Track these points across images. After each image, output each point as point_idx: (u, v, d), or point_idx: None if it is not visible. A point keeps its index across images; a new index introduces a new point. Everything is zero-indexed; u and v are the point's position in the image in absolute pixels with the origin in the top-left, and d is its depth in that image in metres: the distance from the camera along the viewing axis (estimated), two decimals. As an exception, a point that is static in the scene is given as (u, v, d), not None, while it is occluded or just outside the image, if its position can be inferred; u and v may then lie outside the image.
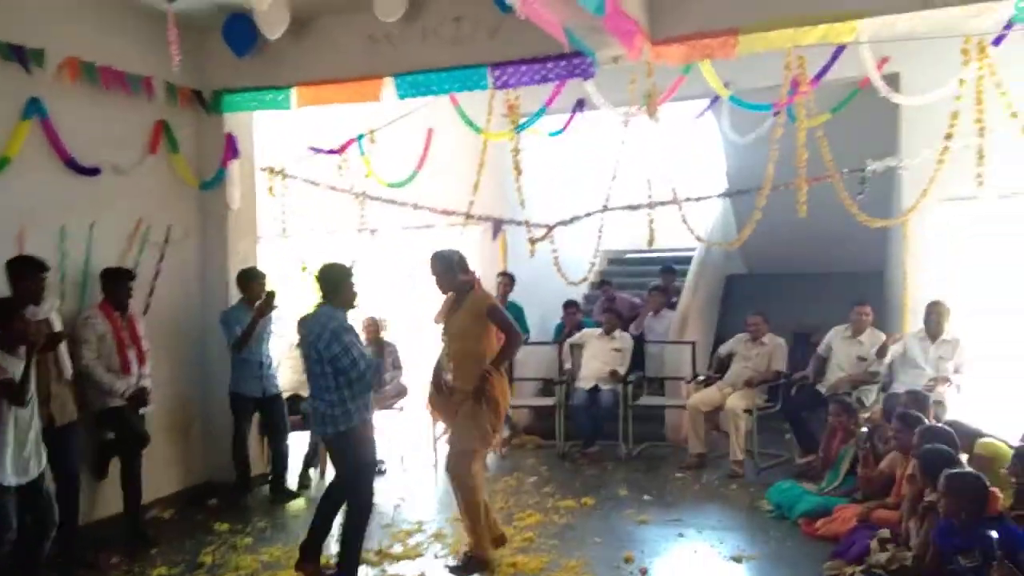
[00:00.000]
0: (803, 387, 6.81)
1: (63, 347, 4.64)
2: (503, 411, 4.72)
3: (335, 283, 4.29)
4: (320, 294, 4.33)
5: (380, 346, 7.04)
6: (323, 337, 4.13)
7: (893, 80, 6.13)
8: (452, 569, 4.67)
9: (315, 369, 4.22)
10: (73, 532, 4.70)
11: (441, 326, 4.85)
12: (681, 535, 5.15)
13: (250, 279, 5.96)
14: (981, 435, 4.74)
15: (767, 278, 10.29)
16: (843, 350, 6.64)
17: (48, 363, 4.48)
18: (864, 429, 5.41)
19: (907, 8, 4.46)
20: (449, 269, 4.65)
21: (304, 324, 4.41)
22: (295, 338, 6.82)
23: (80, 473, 4.83)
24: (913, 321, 6.54)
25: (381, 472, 6.65)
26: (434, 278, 4.71)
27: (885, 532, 4.37)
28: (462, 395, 4.63)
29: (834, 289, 8.61)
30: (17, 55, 4.64)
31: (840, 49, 5.41)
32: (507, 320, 4.65)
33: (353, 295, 4.35)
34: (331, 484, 4.61)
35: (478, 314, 4.58)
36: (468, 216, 6.76)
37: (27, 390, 3.95)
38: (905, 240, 6.64)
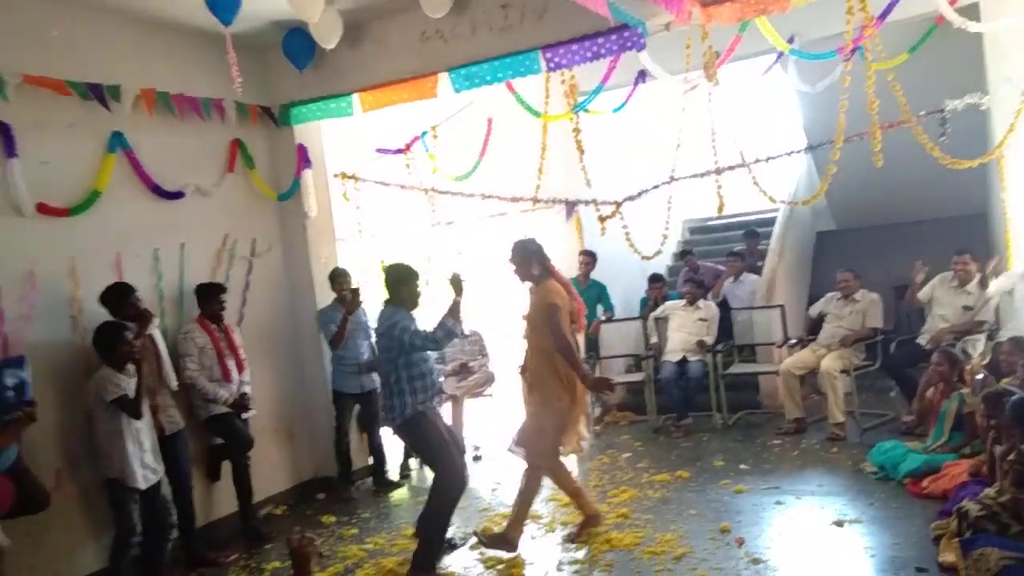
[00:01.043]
0: (903, 342, 6.51)
1: (167, 361, 4.98)
2: (578, 404, 4.72)
3: (396, 283, 4.50)
4: (387, 293, 4.52)
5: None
6: (391, 335, 4.38)
7: (972, 11, 5.74)
8: (476, 535, 4.78)
9: (384, 369, 4.47)
10: (192, 533, 5.05)
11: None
12: (779, 503, 5.04)
13: (335, 278, 6.22)
14: None
15: (859, 232, 9.89)
16: (948, 300, 6.32)
17: (154, 377, 4.82)
18: (980, 376, 5.12)
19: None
20: (525, 259, 4.64)
21: (377, 322, 4.63)
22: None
23: (193, 477, 5.17)
24: (1019, 263, 6.13)
25: (478, 458, 6.81)
26: (513, 269, 4.74)
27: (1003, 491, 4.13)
28: (532, 384, 4.71)
29: (935, 236, 8.19)
30: (95, 93, 4.95)
31: (906, -15, 5.11)
32: (555, 325, 4.46)
33: (415, 296, 4.52)
34: None
35: (542, 309, 4.56)
36: (536, 200, 6.77)
37: (140, 403, 4.30)
38: (1002, 178, 6.22)
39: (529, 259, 4.64)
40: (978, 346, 6.13)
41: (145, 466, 4.39)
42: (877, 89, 5.26)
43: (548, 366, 4.57)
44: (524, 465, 4.74)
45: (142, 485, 4.35)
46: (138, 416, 4.32)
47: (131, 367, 4.40)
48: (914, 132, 5.39)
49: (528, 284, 4.76)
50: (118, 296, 4.69)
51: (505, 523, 4.79)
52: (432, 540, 4.49)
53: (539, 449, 4.65)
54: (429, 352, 4.51)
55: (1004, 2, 5.38)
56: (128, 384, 4.32)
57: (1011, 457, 3.70)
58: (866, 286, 6.77)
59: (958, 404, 5.21)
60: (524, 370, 4.85)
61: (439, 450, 4.48)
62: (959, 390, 5.32)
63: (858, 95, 5.42)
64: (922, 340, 6.35)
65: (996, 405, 4.21)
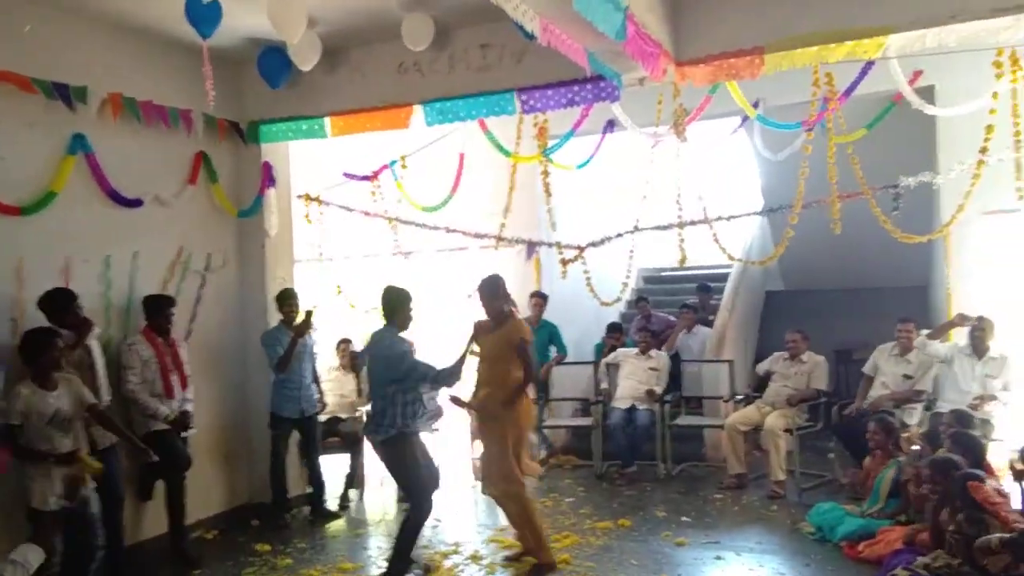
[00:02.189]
0: (847, 406, 6.67)
1: (102, 373, 4.81)
2: (524, 434, 4.93)
3: (392, 306, 4.70)
4: (382, 315, 4.71)
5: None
6: (384, 359, 4.62)
7: (927, 93, 6.05)
8: None
9: (375, 386, 4.68)
10: (119, 553, 4.84)
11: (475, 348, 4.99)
12: (719, 558, 5.08)
13: (284, 300, 6.10)
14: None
15: (806, 294, 10.15)
16: (889, 369, 6.48)
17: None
18: (916, 447, 5.27)
19: (934, 23, 4.40)
20: (495, 296, 4.88)
21: (371, 342, 4.80)
22: (334, 360, 6.98)
23: (125, 495, 4.98)
24: (959, 337, 6.38)
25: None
26: (482, 301, 4.93)
27: (939, 555, 4.22)
28: (490, 416, 4.84)
29: (878, 305, 8.46)
30: (61, 93, 4.84)
31: (869, 64, 5.37)
32: (529, 360, 4.86)
33: (409, 318, 4.75)
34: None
35: (511, 343, 4.79)
36: (500, 239, 6.81)
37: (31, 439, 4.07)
38: (947, 254, 6.49)
39: (499, 296, 4.86)
40: (915, 415, 6.30)
41: (58, 488, 4.12)
42: (836, 159, 5.47)
43: (507, 398, 4.76)
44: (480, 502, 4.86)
45: (55, 507, 4.12)
46: (12, 453, 4.06)
47: (64, 378, 4.22)
48: (869, 204, 5.59)
49: (484, 319, 4.90)
50: (59, 303, 4.54)
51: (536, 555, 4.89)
52: (395, 565, 4.61)
53: (508, 473, 4.77)
54: None
55: (958, 88, 5.66)
56: (49, 401, 4.11)
57: (951, 528, 3.80)
58: (810, 348, 6.93)
59: (895, 471, 5.34)
60: (472, 406, 5.03)
61: (415, 474, 4.63)
62: (896, 457, 5.46)
63: (817, 164, 5.63)
64: (860, 404, 6.48)
65: (943, 472, 4.31)
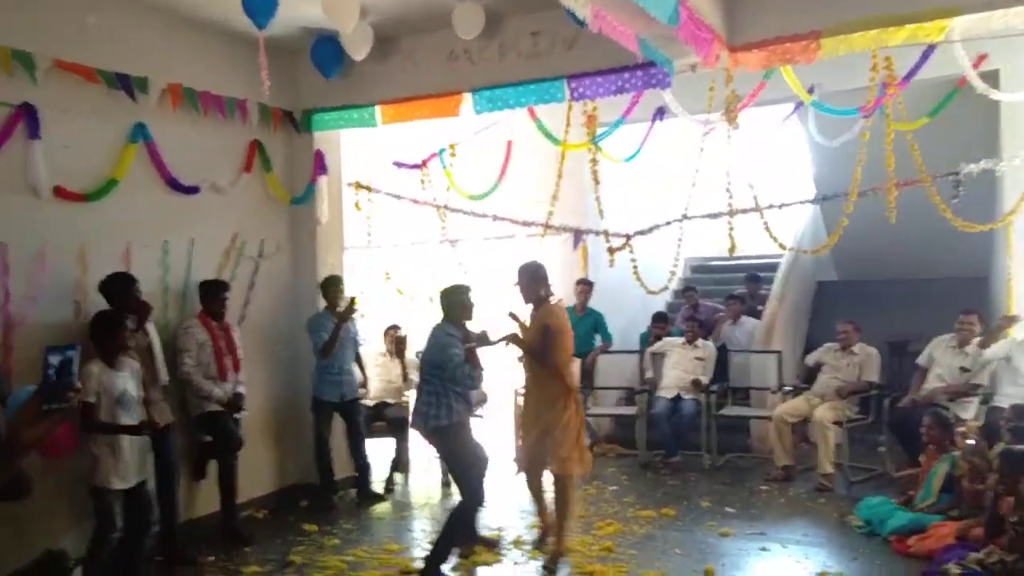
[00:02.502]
0: (898, 399, 6.53)
1: (159, 355, 4.96)
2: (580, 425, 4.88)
3: (451, 304, 4.78)
4: (443, 312, 4.81)
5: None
6: (431, 349, 4.71)
7: (992, 77, 5.85)
8: (546, 568, 4.80)
9: (423, 377, 4.73)
10: (173, 530, 4.99)
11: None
12: (765, 549, 5.04)
13: (329, 286, 6.19)
14: None
15: (860, 285, 9.93)
16: (946, 361, 6.32)
17: (146, 371, 4.77)
18: (970, 441, 5.14)
19: (1003, 3, 4.24)
20: (533, 281, 4.86)
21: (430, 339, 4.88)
22: (381, 346, 7.08)
23: (180, 473, 5.13)
24: (1017, 331, 6.18)
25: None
26: (520, 288, 4.93)
27: (993, 551, 4.12)
28: (538, 403, 4.82)
29: (933, 296, 8.23)
30: (123, 83, 4.98)
31: (931, 48, 5.20)
32: (550, 344, 4.73)
33: (467, 310, 4.81)
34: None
35: (538, 326, 4.80)
36: (547, 226, 6.81)
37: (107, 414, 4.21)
38: (1009, 244, 6.29)
39: (537, 281, 4.85)
40: (970, 409, 6.14)
41: (122, 468, 4.26)
42: (893, 146, 5.33)
43: (554, 384, 4.76)
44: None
45: (117, 486, 4.26)
46: (85, 427, 4.14)
47: (128, 361, 4.38)
48: (927, 192, 5.44)
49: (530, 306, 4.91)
50: (120, 286, 4.65)
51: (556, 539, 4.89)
52: (439, 548, 4.63)
53: (564, 457, 4.74)
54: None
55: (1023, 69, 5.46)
56: (118, 382, 4.25)
57: (1014, 519, 3.70)
58: (862, 340, 6.80)
59: (949, 466, 5.22)
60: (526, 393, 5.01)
61: (468, 463, 4.69)
62: (950, 452, 5.34)
63: (874, 151, 5.49)
64: (912, 396, 6.34)
65: (1015, 463, 4.20)
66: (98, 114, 4.94)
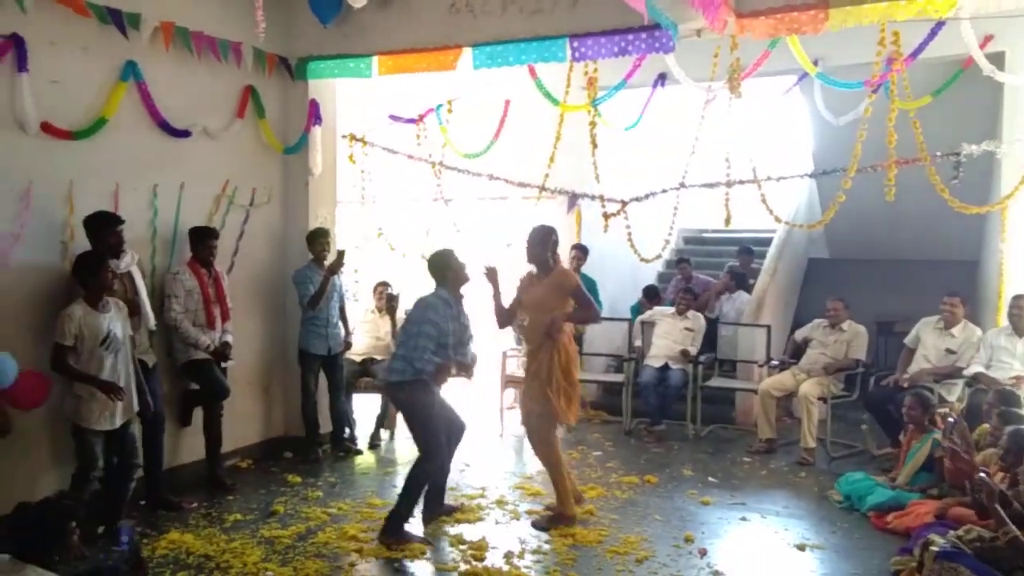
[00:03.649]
0: (882, 378, 6.57)
1: (145, 300, 4.89)
2: (575, 378, 4.93)
3: (440, 270, 4.73)
4: (433, 279, 4.76)
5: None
6: (415, 308, 4.73)
7: (997, 59, 5.78)
8: (535, 524, 4.85)
9: (402, 334, 4.75)
10: (157, 474, 5.00)
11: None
12: (744, 519, 5.09)
13: (315, 238, 6.11)
14: None
15: (851, 263, 9.95)
16: (932, 342, 6.34)
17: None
18: (951, 419, 5.17)
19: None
20: (544, 243, 4.89)
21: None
22: (371, 303, 7.04)
23: (165, 417, 5.10)
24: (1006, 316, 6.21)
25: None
26: (527, 247, 4.94)
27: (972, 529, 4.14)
28: (534, 361, 4.85)
29: (925, 278, 8.27)
30: (115, 19, 4.83)
31: (939, 25, 5.12)
32: (589, 299, 4.92)
33: (459, 276, 4.75)
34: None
35: (561, 289, 4.84)
36: (543, 189, 6.74)
37: (78, 359, 4.19)
38: (1003, 228, 6.28)
39: (547, 244, 4.89)
40: (954, 391, 6.18)
41: (104, 409, 4.25)
42: (895, 124, 5.29)
43: (555, 343, 4.78)
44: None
45: (99, 427, 4.25)
46: (55, 368, 4.15)
47: (114, 302, 4.33)
48: (927, 172, 5.41)
49: (528, 271, 4.93)
50: (102, 224, 4.56)
51: (554, 503, 4.96)
52: (400, 507, 4.60)
53: (543, 410, 4.81)
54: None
55: (1030, 55, 5.42)
56: (100, 322, 4.21)
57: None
58: (851, 318, 6.81)
59: (930, 445, 5.26)
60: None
61: (423, 422, 4.64)
62: (930, 432, 5.37)
63: (875, 128, 5.44)
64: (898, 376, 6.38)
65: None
66: (88, 50, 4.81)
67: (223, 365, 5.44)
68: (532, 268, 4.98)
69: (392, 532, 4.52)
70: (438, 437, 4.68)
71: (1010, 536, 3.42)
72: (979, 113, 6.47)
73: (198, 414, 5.52)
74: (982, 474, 4.00)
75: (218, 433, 5.43)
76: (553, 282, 4.87)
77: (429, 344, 4.53)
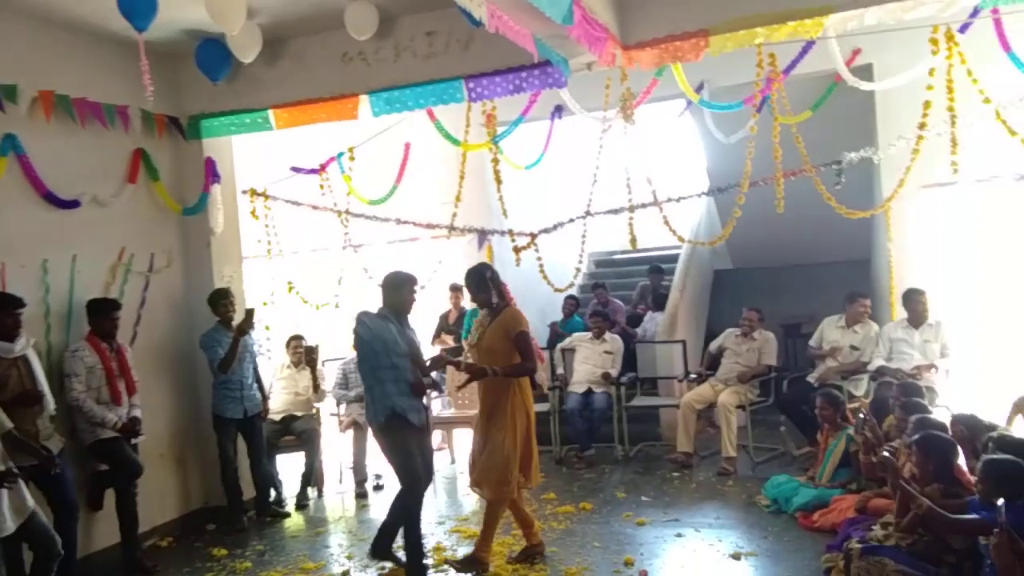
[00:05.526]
0: (794, 380, 6.83)
1: (43, 383, 4.62)
2: (531, 430, 4.79)
3: (389, 288, 4.65)
4: (381, 297, 4.69)
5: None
6: (365, 341, 4.52)
7: (866, 71, 6.18)
8: (454, 564, 4.80)
9: (365, 370, 4.59)
10: (73, 565, 4.67)
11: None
12: (680, 535, 5.16)
13: (217, 300, 5.92)
14: (995, 428, 4.65)
15: (755, 272, 10.37)
16: (836, 340, 6.65)
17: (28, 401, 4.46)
18: (862, 415, 5.39)
19: (874, 1, 4.49)
20: (479, 284, 4.74)
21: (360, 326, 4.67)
22: (285, 358, 6.86)
23: (78, 506, 4.80)
24: (901, 310, 6.56)
25: (379, 488, 6.66)
26: (470, 295, 4.88)
27: (889, 518, 4.29)
28: (488, 408, 4.71)
29: (822, 280, 8.69)
30: (-11, 93, 4.63)
31: (810, 44, 5.45)
32: (530, 350, 4.65)
33: (406, 302, 4.65)
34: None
35: (507, 334, 4.62)
36: (451, 229, 6.76)
37: None
38: (888, 228, 6.68)
39: (487, 286, 4.73)
40: (861, 386, 6.48)
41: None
42: (780, 139, 5.57)
43: (509, 393, 4.63)
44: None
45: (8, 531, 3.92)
46: None
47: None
48: (813, 181, 5.71)
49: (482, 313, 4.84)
50: (2, 306, 4.34)
51: (473, 545, 4.84)
52: (415, 547, 4.57)
53: (505, 480, 4.62)
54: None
55: (897, 65, 5.79)
56: None
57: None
58: (761, 325, 7.07)
59: (845, 442, 5.48)
60: (465, 367, 4.81)
61: (408, 463, 4.55)
62: (844, 428, 5.60)
63: (762, 144, 5.72)
64: (811, 378, 6.66)
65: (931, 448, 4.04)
66: (-38, 126, 4.58)
67: (133, 441, 5.19)
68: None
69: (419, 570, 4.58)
70: (416, 470, 4.58)
71: (923, 507, 3.55)
72: (855, 123, 6.87)
73: (110, 496, 5.22)
74: (885, 453, 4.18)
75: (133, 513, 5.15)
76: (500, 324, 4.66)
77: (387, 376, 4.43)
